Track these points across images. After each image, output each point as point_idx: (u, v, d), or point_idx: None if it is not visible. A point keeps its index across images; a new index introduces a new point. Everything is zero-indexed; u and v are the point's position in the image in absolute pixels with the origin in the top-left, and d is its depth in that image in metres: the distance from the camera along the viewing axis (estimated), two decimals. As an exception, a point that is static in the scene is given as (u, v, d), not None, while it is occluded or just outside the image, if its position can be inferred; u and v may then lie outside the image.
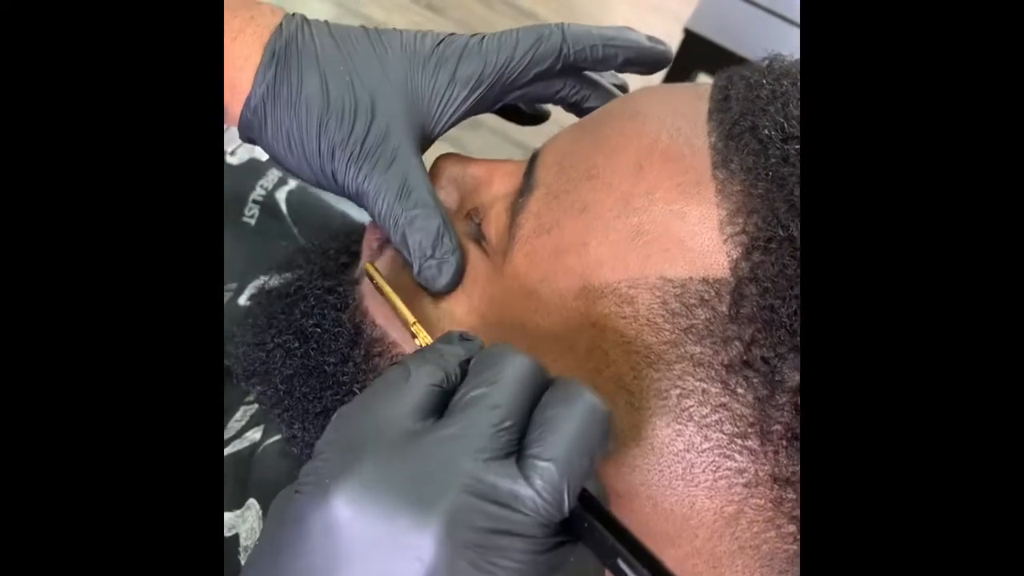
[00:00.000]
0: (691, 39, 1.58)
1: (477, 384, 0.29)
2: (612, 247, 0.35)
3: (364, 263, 0.44)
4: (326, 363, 0.41)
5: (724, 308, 0.33)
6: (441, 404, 0.29)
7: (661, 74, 0.79)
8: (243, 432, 0.52)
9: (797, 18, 1.52)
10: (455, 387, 0.30)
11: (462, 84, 0.40)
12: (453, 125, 0.42)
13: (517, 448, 0.28)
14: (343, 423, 0.29)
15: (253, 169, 0.69)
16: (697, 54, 1.58)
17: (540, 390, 0.29)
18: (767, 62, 0.38)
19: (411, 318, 0.36)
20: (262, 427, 0.51)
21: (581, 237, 0.35)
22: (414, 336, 0.36)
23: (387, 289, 0.39)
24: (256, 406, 0.54)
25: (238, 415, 0.54)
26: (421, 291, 0.40)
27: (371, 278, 0.39)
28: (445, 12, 2.10)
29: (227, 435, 0.52)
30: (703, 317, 0.33)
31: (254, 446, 0.50)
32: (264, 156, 0.71)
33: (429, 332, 0.37)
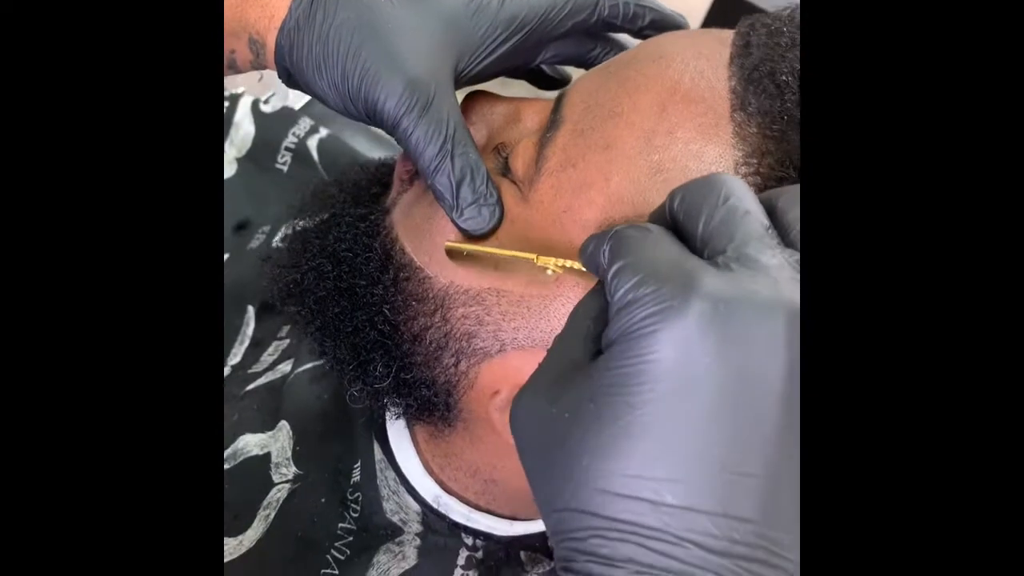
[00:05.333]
0: (724, -3, 1.56)
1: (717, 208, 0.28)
2: (633, 183, 0.36)
3: (394, 193, 0.45)
4: (357, 285, 0.42)
5: None
6: None
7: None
8: (275, 364, 0.55)
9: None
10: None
11: (504, 24, 0.40)
12: (489, 69, 0.42)
13: None
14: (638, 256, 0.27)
15: (286, 117, 0.71)
16: (728, 12, 1.56)
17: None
18: (788, 11, 0.39)
19: (532, 254, 0.36)
20: (292, 359, 0.54)
21: (604, 172, 0.36)
22: (544, 268, 0.36)
23: (482, 249, 0.39)
24: (287, 340, 0.57)
25: (271, 349, 0.57)
26: (447, 220, 0.40)
27: (460, 253, 0.39)
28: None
29: (260, 368, 0.55)
30: None
31: (284, 376, 0.53)
32: (297, 104, 0.73)
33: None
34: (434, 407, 0.41)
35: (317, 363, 0.51)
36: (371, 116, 0.39)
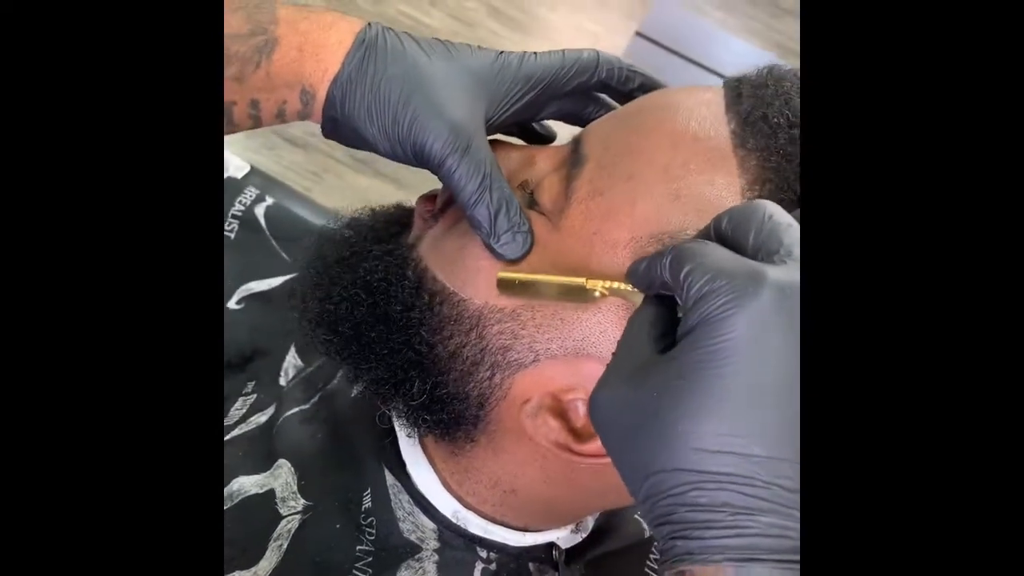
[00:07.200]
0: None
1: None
2: (656, 208, 0.41)
3: (417, 231, 0.49)
4: (392, 311, 0.45)
5: None
6: None
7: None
8: (246, 418, 0.56)
9: (711, 64, 1.65)
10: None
11: (523, 81, 0.46)
12: (509, 120, 0.47)
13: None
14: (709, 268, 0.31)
15: (231, 187, 0.73)
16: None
17: None
18: (767, 69, 0.46)
19: (582, 279, 0.39)
20: (268, 409, 0.55)
21: (629, 199, 0.41)
22: (592, 290, 0.39)
23: (534, 276, 0.41)
24: (255, 395, 0.58)
25: (238, 404, 0.58)
26: (480, 248, 0.43)
27: (512, 284, 0.42)
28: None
29: (231, 421, 0.56)
30: None
31: (262, 426, 0.54)
32: (239, 174, 0.75)
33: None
34: (463, 420, 0.44)
35: (304, 407, 0.53)
36: (418, 156, 0.43)
